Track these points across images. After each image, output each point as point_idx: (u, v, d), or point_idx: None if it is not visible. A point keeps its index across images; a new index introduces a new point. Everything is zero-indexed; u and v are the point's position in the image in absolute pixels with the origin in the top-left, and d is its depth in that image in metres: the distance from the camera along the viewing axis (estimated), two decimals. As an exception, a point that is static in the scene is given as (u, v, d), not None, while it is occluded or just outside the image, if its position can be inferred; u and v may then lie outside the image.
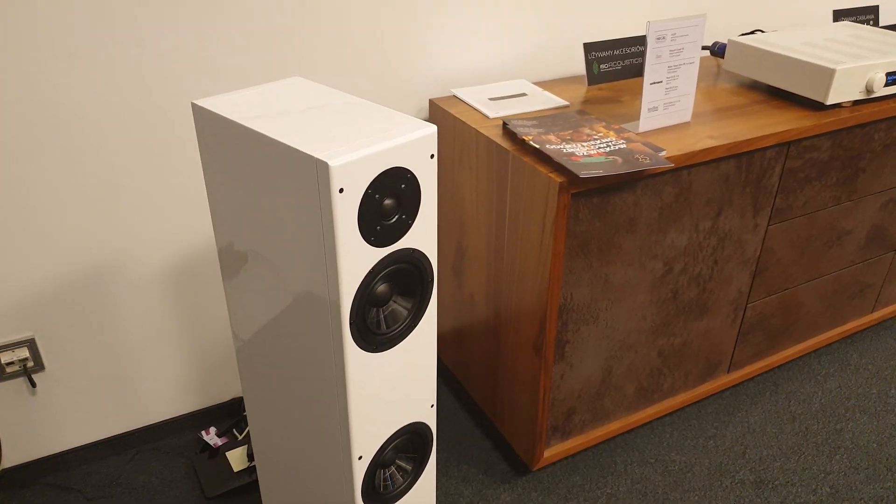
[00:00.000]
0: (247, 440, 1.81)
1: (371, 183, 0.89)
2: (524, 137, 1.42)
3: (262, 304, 1.11)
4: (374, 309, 1.00)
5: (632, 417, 1.75)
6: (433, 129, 0.95)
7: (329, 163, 0.84)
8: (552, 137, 1.43)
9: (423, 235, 1.00)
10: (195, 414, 1.87)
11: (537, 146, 1.38)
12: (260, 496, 1.68)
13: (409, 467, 1.20)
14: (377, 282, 0.97)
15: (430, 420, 1.19)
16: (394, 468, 1.18)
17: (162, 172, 1.53)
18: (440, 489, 1.69)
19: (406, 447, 1.18)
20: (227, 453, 1.77)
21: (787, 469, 1.71)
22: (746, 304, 1.76)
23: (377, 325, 1.00)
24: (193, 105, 1.03)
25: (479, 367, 1.80)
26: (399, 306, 1.03)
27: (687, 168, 1.44)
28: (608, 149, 1.38)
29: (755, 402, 1.92)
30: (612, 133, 1.45)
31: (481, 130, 1.51)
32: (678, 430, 1.83)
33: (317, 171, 0.86)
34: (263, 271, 1.06)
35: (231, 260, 1.13)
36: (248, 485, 1.70)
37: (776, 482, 1.68)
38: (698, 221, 1.53)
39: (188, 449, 1.82)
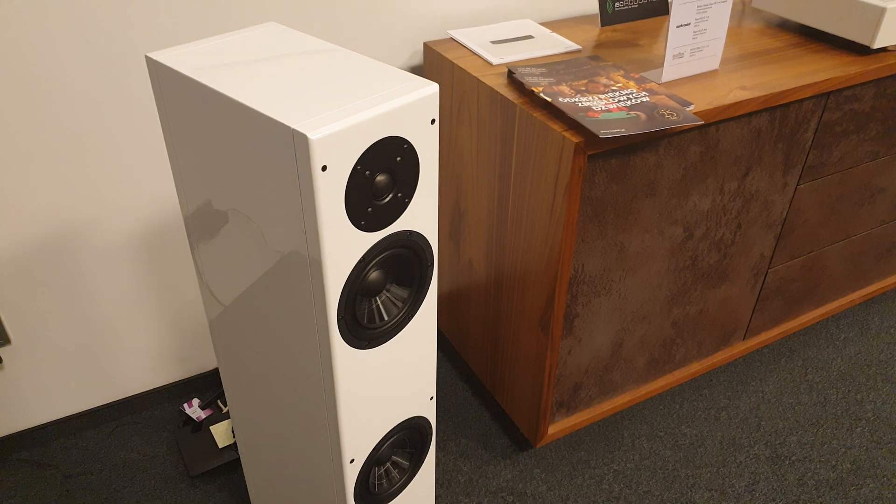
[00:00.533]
0: (232, 412, 1.70)
1: (360, 157, 0.74)
2: (533, 88, 1.26)
3: (235, 284, 0.97)
4: (366, 300, 0.86)
5: (641, 390, 1.64)
6: (434, 88, 0.79)
7: (308, 135, 0.68)
8: (565, 88, 1.26)
9: (421, 215, 0.85)
10: (176, 385, 1.76)
11: (548, 99, 1.22)
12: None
13: (406, 463, 1.09)
14: (369, 270, 0.83)
15: (430, 413, 1.07)
16: (389, 464, 1.07)
17: (131, 131, 1.36)
18: (437, 465, 1.59)
19: (403, 443, 1.06)
20: (210, 427, 1.66)
21: (805, 443, 1.62)
22: (768, 269, 1.64)
23: (369, 319, 0.87)
24: (148, 59, 0.86)
25: (476, 336, 1.68)
26: (394, 295, 0.89)
27: (715, 124, 1.28)
28: (629, 102, 1.22)
29: (770, 369, 1.82)
30: (632, 83, 1.28)
31: (483, 80, 1.34)
32: (689, 400, 1.74)
33: (294, 145, 0.70)
34: (234, 249, 0.92)
35: (199, 232, 0.98)
36: (233, 461, 1.60)
37: (793, 457, 1.59)
38: (724, 182, 1.38)
39: (170, 422, 1.71)
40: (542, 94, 1.23)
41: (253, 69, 0.82)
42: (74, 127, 1.31)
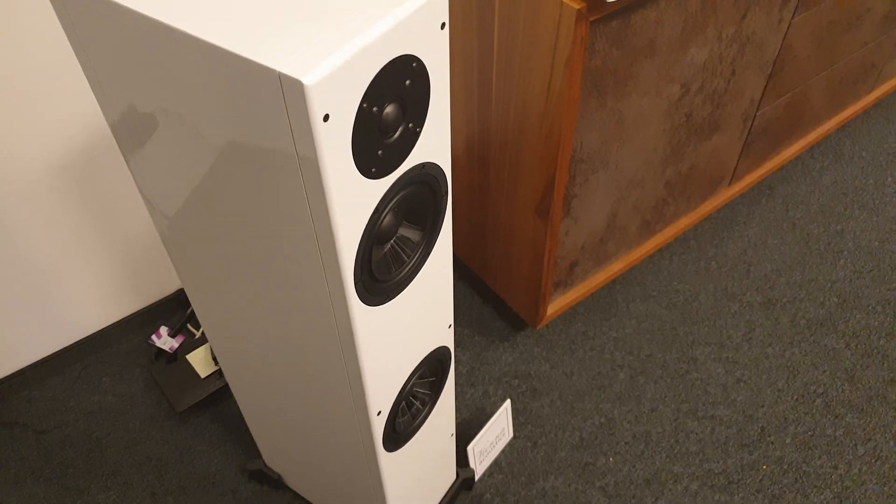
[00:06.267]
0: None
1: (365, 92, 0.57)
2: (510, -59, 1.05)
3: (197, 205, 0.81)
4: (378, 248, 0.72)
5: (634, 254, 1.59)
6: (442, -16, 0.60)
7: (302, 80, 0.51)
8: (547, -63, 1.05)
9: (435, 143, 0.70)
10: (138, 314, 1.61)
11: (534, -45, 1.02)
12: (236, 401, 1.50)
13: (427, 393, 1.01)
14: (382, 219, 0.68)
15: (449, 341, 0.97)
16: (411, 397, 0.99)
17: (36, 40, 1.10)
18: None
19: (423, 374, 0.98)
20: (187, 357, 1.54)
21: (794, 283, 1.63)
22: (756, 112, 1.54)
23: (385, 270, 0.74)
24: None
25: (462, 222, 1.56)
26: (407, 235, 0.76)
27: (719, -37, 1.11)
28: (627, -51, 1.03)
29: (752, 212, 1.78)
30: (623, -78, 1.08)
31: (445, -68, 1.11)
32: (677, 255, 1.70)
33: (283, 94, 0.53)
34: (192, 167, 0.75)
35: (130, 136, 0.80)
36: (221, 390, 1.51)
37: (784, 300, 1.60)
38: (722, 29, 1.24)
39: (139, 356, 1.59)
40: (522, -52, 1.03)
41: (191, -23, 0.61)
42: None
